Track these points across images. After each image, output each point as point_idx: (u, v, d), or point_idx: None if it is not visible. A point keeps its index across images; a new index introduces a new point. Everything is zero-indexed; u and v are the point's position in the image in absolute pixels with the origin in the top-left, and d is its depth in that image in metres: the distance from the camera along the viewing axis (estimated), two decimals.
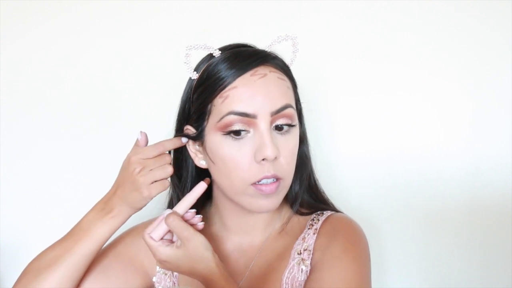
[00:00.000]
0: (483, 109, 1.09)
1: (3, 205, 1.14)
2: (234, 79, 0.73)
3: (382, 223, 1.12)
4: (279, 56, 0.80)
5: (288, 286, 0.77)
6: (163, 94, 1.10)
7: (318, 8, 1.11)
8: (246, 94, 0.72)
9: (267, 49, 0.79)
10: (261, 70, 0.74)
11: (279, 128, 0.74)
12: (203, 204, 0.87)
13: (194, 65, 0.79)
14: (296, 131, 0.77)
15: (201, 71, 0.77)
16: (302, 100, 0.83)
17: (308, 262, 0.79)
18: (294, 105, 0.76)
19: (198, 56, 0.79)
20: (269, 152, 0.71)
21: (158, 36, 1.13)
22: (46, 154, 1.14)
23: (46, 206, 1.14)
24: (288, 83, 0.77)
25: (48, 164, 1.14)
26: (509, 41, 1.07)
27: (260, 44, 0.81)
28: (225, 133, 0.73)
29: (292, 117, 0.75)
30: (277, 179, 0.74)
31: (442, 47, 1.09)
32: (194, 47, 0.77)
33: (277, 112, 0.73)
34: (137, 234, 0.86)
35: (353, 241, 0.80)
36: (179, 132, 0.81)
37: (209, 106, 0.75)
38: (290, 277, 0.78)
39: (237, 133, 0.73)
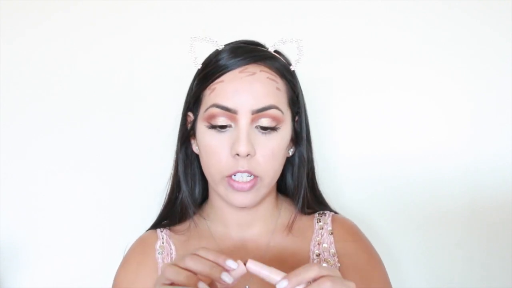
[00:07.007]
0: (483, 109, 1.09)
1: (3, 205, 1.14)
2: (223, 74, 0.76)
3: (382, 223, 1.11)
4: (281, 58, 0.80)
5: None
6: (162, 94, 1.10)
7: (319, 8, 1.12)
8: (231, 89, 0.75)
9: (271, 49, 0.80)
10: (251, 68, 0.76)
11: (263, 128, 0.76)
12: (201, 204, 0.88)
13: (199, 55, 0.80)
14: (282, 133, 0.77)
15: (204, 61, 0.80)
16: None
17: (332, 262, 0.81)
18: (281, 107, 0.77)
19: (207, 49, 0.81)
20: (241, 148, 0.73)
21: (158, 36, 1.13)
22: (46, 153, 1.13)
23: (46, 206, 1.14)
24: (280, 84, 0.77)
25: (49, 163, 1.14)
26: (510, 41, 1.08)
27: (267, 43, 0.82)
28: (209, 126, 0.76)
29: (277, 119, 0.76)
30: (254, 176, 0.76)
31: (442, 47, 1.10)
32: (197, 38, 0.79)
33: (258, 111, 0.75)
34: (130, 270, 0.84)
35: (370, 245, 0.86)
36: (184, 117, 0.84)
37: (201, 96, 0.79)
38: None
39: (221, 127, 0.76)
